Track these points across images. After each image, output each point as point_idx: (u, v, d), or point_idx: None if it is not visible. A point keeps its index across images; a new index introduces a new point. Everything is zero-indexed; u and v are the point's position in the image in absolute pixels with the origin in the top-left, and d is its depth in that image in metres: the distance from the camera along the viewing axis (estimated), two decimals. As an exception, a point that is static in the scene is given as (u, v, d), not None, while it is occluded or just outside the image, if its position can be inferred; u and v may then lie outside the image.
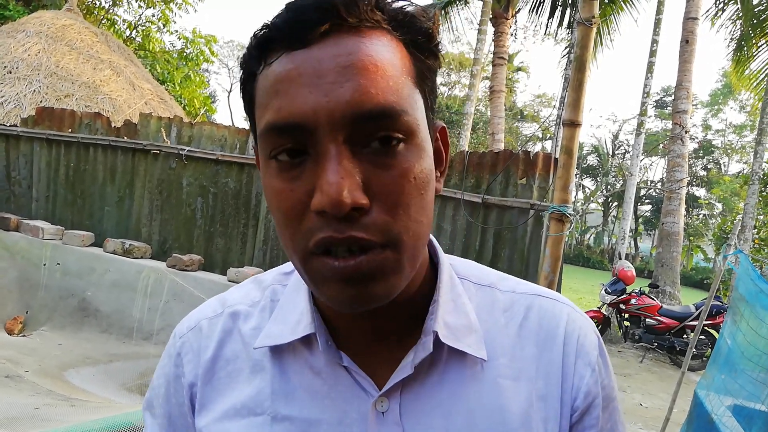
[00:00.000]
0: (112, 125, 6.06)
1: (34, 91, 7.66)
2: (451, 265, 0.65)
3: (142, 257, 5.41)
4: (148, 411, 0.68)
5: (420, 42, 0.53)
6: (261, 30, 0.51)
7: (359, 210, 0.47)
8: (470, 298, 0.63)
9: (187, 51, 14.94)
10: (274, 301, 0.65)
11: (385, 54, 0.50)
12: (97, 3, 14.73)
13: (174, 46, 15.81)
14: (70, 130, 6.16)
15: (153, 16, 15.02)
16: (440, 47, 0.55)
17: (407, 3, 0.53)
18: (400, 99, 0.49)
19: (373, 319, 0.58)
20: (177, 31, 15.37)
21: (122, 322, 4.96)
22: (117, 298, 5.08)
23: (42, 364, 4.11)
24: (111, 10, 14.87)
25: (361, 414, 0.57)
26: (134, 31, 15.14)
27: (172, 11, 14.82)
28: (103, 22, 14.46)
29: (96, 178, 6.06)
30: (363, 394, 0.58)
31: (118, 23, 15.00)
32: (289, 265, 0.69)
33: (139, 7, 14.86)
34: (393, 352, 0.59)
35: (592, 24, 3.42)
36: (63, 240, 5.62)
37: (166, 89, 11.32)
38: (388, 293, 0.51)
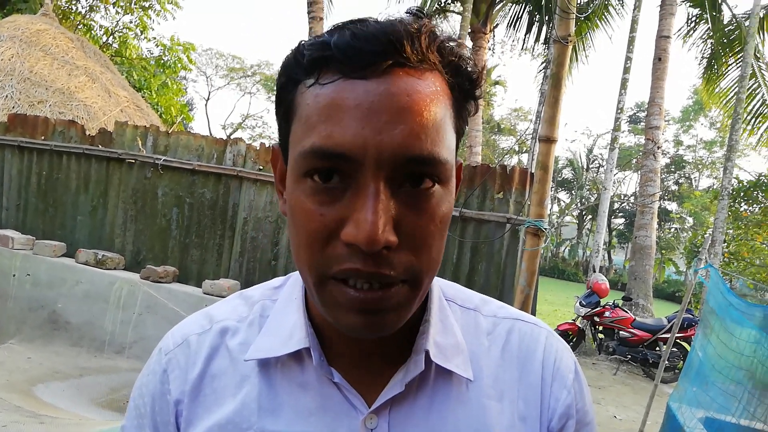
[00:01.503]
0: (87, 133, 5.97)
1: (7, 96, 7.53)
2: (439, 286, 0.66)
3: (115, 268, 5.31)
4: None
5: (465, 87, 0.55)
6: (318, 45, 0.51)
7: (387, 248, 0.48)
8: (456, 319, 0.64)
9: (165, 58, 14.81)
10: (263, 316, 0.64)
11: (436, 98, 0.51)
12: (74, 8, 14.54)
13: (151, 53, 15.68)
14: (43, 138, 6.05)
15: (131, 22, 14.88)
16: (481, 94, 0.57)
17: (458, 46, 0.54)
18: (443, 148, 0.51)
19: (367, 339, 0.59)
20: (155, 38, 15.23)
21: (93, 334, 4.85)
22: (88, 310, 4.97)
23: (9, 378, 3.99)
24: (88, 16, 14.70)
25: (350, 431, 0.58)
26: (111, 37, 14.97)
27: (150, 18, 14.70)
28: (79, 27, 14.27)
29: (69, 187, 5.95)
30: (352, 411, 0.58)
31: (95, 29, 14.83)
32: (277, 281, 0.69)
33: (117, 13, 14.73)
34: (382, 370, 0.60)
35: (568, 42, 3.50)
36: (33, 250, 5.49)
37: (143, 96, 11.21)
38: (397, 324, 0.53)
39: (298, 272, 0.65)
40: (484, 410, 0.60)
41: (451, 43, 0.54)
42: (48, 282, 5.20)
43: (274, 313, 0.64)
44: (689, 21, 11.45)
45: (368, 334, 0.52)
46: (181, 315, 4.56)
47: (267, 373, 0.61)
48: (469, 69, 0.55)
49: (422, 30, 0.50)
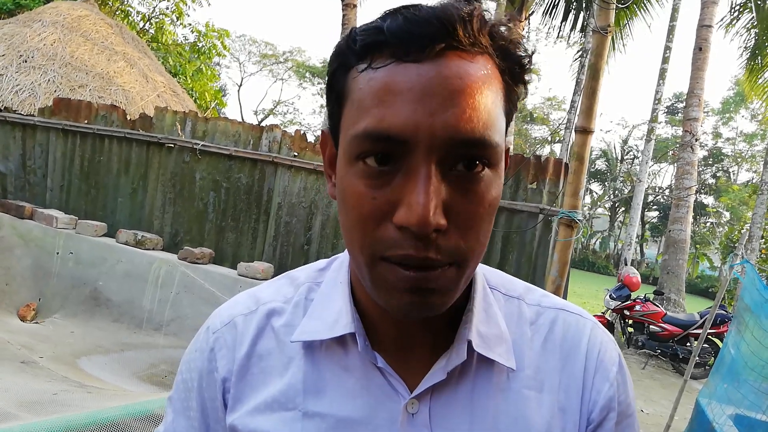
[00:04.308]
0: (128, 118, 6.14)
1: (49, 80, 7.74)
2: (483, 274, 0.67)
3: (153, 249, 5.47)
4: (173, 404, 0.69)
5: (515, 71, 0.55)
6: (371, 31, 0.51)
7: (437, 231, 0.49)
8: (499, 308, 0.65)
9: (200, 44, 15.00)
10: (308, 299, 0.66)
11: (487, 81, 0.51)
12: (112, -6, 14.80)
13: (187, 39, 15.88)
14: (86, 122, 6.24)
15: (167, 8, 15.08)
16: (530, 78, 0.58)
17: (509, 30, 0.54)
18: (494, 131, 0.51)
19: (412, 324, 0.60)
20: (190, 25, 15.41)
21: (133, 312, 5.03)
22: (128, 288, 5.14)
23: (55, 351, 4.18)
24: (125, 2, 14.95)
25: (391, 415, 0.59)
26: (148, 23, 15.21)
27: (186, 4, 14.86)
28: (117, 13, 14.53)
29: (110, 170, 6.14)
30: (395, 396, 0.59)
31: (132, 15, 15.08)
32: (321, 263, 0.70)
33: (153, -1, 14.94)
34: (424, 357, 0.61)
35: (607, 32, 3.46)
36: (76, 229, 5.69)
37: (178, 82, 11.39)
38: (443, 305, 0.54)
39: (342, 255, 0.68)
40: (524, 400, 0.60)
41: (502, 27, 0.53)
42: (90, 260, 5.40)
43: (319, 296, 0.65)
44: (732, 10, 11.09)
45: (415, 314, 0.53)
46: (216, 295, 4.70)
47: (312, 355, 0.62)
48: (519, 53, 0.54)
49: (474, 14, 0.50)
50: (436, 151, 0.49)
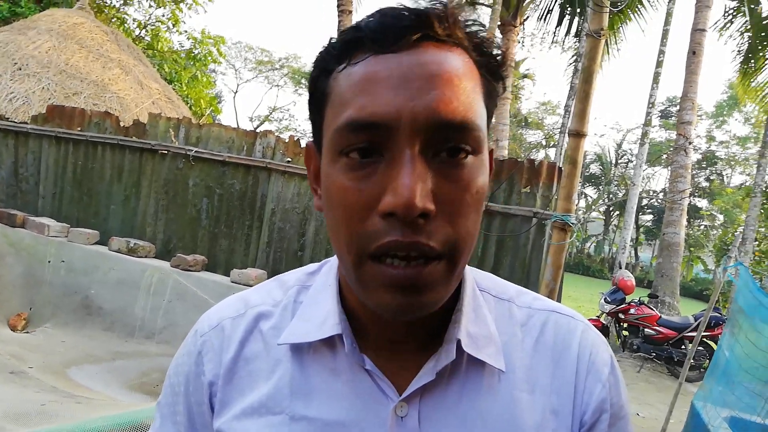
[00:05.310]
0: (121, 125, 6.11)
1: (43, 88, 7.71)
2: (473, 277, 0.66)
3: (146, 256, 5.44)
4: (161, 409, 0.68)
5: (492, 66, 0.56)
6: (349, 30, 0.53)
7: (425, 216, 0.48)
8: (489, 310, 0.64)
9: (196, 51, 15.00)
10: (297, 302, 0.65)
11: (465, 70, 0.52)
12: (108, 1, 14.80)
13: (182, 46, 15.88)
14: (79, 129, 6.21)
15: (163, 15, 15.09)
16: (507, 74, 0.58)
17: (483, 29, 0.55)
18: (475, 115, 0.51)
19: (402, 326, 0.59)
20: (186, 32, 15.44)
21: (125, 320, 4.99)
22: (120, 296, 5.10)
23: (46, 360, 4.13)
24: (121, 9, 14.95)
25: (380, 418, 0.58)
26: (143, 30, 15.21)
27: (182, 11, 14.90)
28: (113, 20, 14.53)
29: (103, 177, 6.11)
30: (383, 398, 0.59)
31: (128, 22, 15.08)
32: (312, 266, 0.70)
33: (150, 6, 14.95)
34: (414, 359, 0.60)
35: (600, 36, 3.47)
36: (68, 237, 5.65)
37: (174, 89, 11.37)
38: (435, 303, 0.53)
39: (333, 259, 0.67)
40: (515, 402, 0.60)
41: (476, 27, 0.55)
42: (82, 268, 5.35)
43: (308, 298, 0.65)
44: (726, 14, 11.16)
45: (405, 314, 0.52)
46: (209, 303, 4.67)
47: (299, 357, 0.61)
48: (494, 50, 0.55)
49: (448, 9, 0.52)
50: (419, 135, 0.49)
